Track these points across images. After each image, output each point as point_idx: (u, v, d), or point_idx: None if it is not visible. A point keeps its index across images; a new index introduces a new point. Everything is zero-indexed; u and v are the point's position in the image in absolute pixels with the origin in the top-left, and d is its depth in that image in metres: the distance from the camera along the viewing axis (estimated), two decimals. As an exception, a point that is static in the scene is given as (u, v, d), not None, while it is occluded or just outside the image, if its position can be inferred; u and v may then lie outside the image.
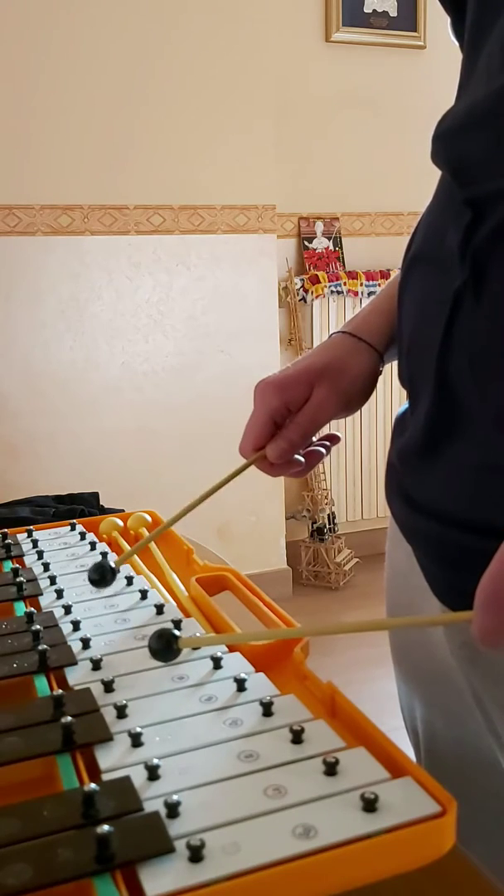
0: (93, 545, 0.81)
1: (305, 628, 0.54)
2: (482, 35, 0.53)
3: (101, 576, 0.61)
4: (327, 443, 0.72)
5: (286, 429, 0.66)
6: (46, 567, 0.75)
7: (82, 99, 2.38)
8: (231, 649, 0.57)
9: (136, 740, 0.46)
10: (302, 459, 0.69)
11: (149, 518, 0.88)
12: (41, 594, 0.69)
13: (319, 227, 2.97)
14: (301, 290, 2.90)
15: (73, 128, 2.38)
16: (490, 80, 0.51)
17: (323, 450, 0.71)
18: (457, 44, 0.62)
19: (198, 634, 0.59)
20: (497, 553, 0.41)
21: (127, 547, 0.82)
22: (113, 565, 0.62)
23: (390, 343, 0.69)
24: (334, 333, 0.71)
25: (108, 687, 0.52)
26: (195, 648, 0.57)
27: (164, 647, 0.49)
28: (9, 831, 0.38)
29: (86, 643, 0.58)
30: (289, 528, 2.89)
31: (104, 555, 0.78)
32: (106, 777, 0.43)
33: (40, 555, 0.79)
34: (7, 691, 0.55)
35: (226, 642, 0.58)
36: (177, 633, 0.49)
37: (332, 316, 2.96)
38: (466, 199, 0.53)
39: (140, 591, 0.68)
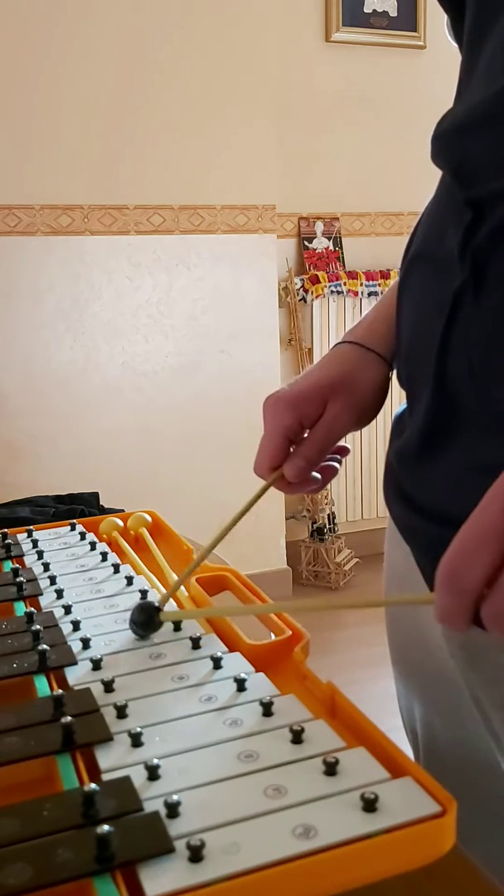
0: (93, 545, 0.81)
1: (282, 603, 0.55)
2: (482, 35, 0.53)
3: (148, 618, 0.58)
4: (338, 456, 0.71)
5: (302, 446, 0.65)
6: (46, 567, 0.75)
7: (82, 99, 2.38)
8: (231, 649, 0.57)
9: (136, 740, 0.46)
10: (318, 476, 0.68)
11: (148, 518, 0.88)
12: (41, 594, 0.69)
13: (319, 227, 2.97)
14: (301, 290, 2.89)
15: (73, 128, 2.38)
16: (491, 81, 0.51)
17: (336, 464, 0.70)
18: (454, 44, 0.62)
19: (198, 633, 0.59)
20: (456, 535, 0.42)
21: (127, 547, 0.82)
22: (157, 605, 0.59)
23: None
24: (340, 343, 0.70)
25: (108, 687, 0.52)
26: (195, 647, 0.57)
27: (147, 619, 0.49)
28: (9, 831, 0.38)
29: (86, 643, 0.58)
30: (289, 528, 2.89)
31: (143, 592, 0.70)
32: (106, 777, 0.43)
33: (40, 555, 0.79)
34: (7, 691, 0.55)
35: (207, 615, 0.58)
36: (158, 606, 0.49)
37: (332, 316, 2.96)
38: (467, 200, 0.53)
39: (140, 591, 0.68)
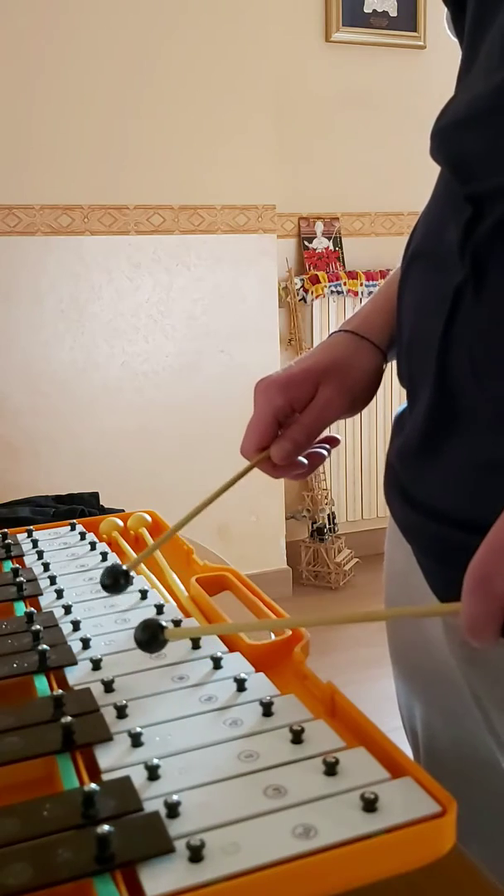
0: (93, 545, 0.81)
1: (294, 619, 0.54)
2: (482, 29, 0.53)
3: (115, 580, 0.59)
4: (327, 445, 0.71)
5: (290, 429, 0.65)
6: (46, 567, 0.75)
7: (82, 99, 2.38)
8: (231, 649, 0.57)
9: (136, 740, 0.46)
10: (305, 461, 0.68)
11: (149, 518, 0.88)
12: (41, 594, 0.69)
13: (319, 227, 2.97)
14: (301, 290, 2.90)
15: (73, 128, 2.38)
16: (489, 75, 0.51)
17: (324, 452, 0.70)
18: (453, 38, 0.62)
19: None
20: (485, 538, 0.41)
21: (127, 547, 0.82)
22: (126, 569, 0.60)
23: (392, 341, 0.69)
24: (336, 332, 0.70)
25: (108, 687, 0.52)
26: (195, 646, 0.57)
27: (150, 638, 0.49)
28: (9, 831, 0.38)
29: (86, 643, 0.58)
30: (289, 528, 2.89)
31: (143, 592, 0.70)
32: (106, 777, 0.43)
33: (40, 555, 0.79)
34: (7, 691, 0.55)
35: (213, 633, 0.57)
36: (163, 623, 0.48)
37: (332, 316, 2.96)
38: (467, 196, 0.53)
39: (140, 591, 0.68)
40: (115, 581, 0.59)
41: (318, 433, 0.66)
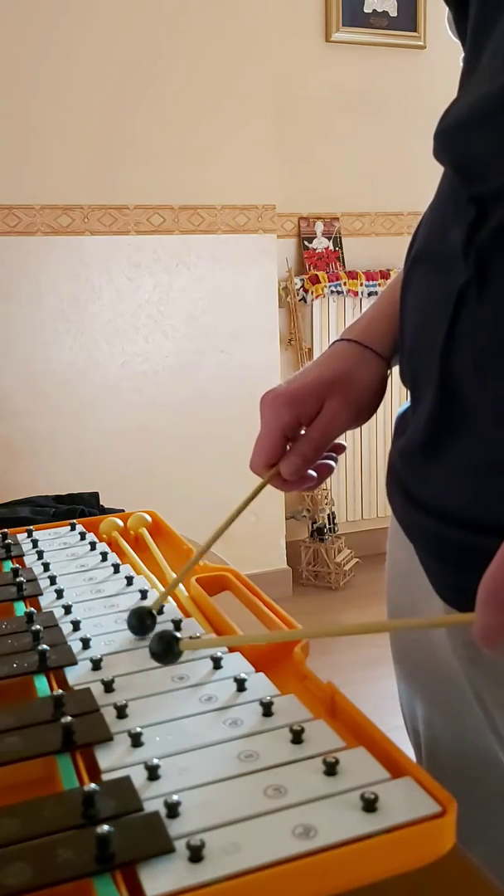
0: (93, 545, 0.81)
1: (306, 630, 0.54)
2: (486, 31, 0.53)
3: (140, 622, 0.58)
4: (334, 454, 0.71)
5: (299, 444, 0.65)
6: (46, 567, 0.75)
7: (82, 99, 2.38)
8: (231, 649, 0.57)
9: (136, 740, 0.46)
10: (314, 474, 0.68)
11: (149, 518, 0.88)
12: (41, 594, 0.69)
13: (319, 227, 2.97)
14: (301, 290, 2.89)
15: (73, 128, 2.38)
16: (494, 77, 0.51)
17: (333, 463, 0.70)
18: (455, 39, 0.62)
19: (198, 634, 0.59)
20: (500, 549, 0.41)
21: (127, 547, 0.82)
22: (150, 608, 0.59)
23: (395, 347, 0.69)
24: (338, 341, 0.70)
25: (108, 687, 0.52)
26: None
27: (165, 649, 0.49)
28: (9, 831, 0.38)
29: (86, 643, 0.58)
30: (289, 528, 2.89)
31: (143, 592, 0.69)
32: (106, 777, 0.43)
33: (40, 555, 0.79)
34: (7, 691, 0.55)
35: (226, 644, 0.58)
36: (178, 635, 0.48)
37: (332, 316, 2.95)
38: (470, 196, 0.53)
39: (140, 590, 0.68)
40: (142, 622, 0.59)
41: (325, 446, 0.66)
